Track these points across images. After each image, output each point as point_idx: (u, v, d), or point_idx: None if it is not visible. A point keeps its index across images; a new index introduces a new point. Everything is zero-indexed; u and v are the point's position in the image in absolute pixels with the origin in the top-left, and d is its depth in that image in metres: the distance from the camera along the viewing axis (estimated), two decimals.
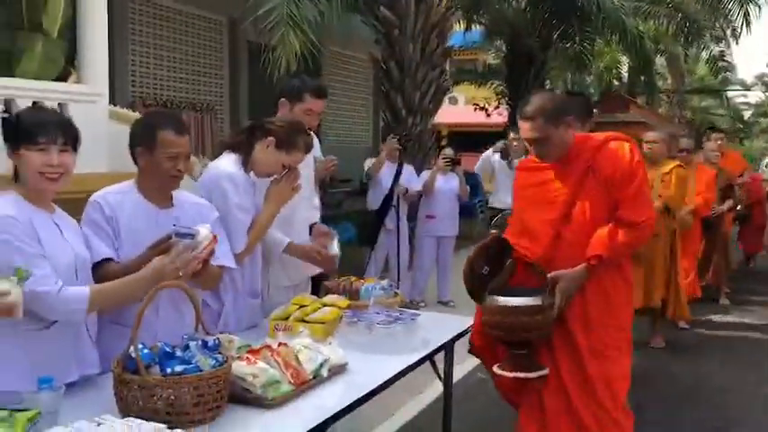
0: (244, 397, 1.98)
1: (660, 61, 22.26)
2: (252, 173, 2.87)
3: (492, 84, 14.83)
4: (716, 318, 6.65)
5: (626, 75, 20.27)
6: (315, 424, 1.92)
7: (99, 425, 1.62)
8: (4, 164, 2.19)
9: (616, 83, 19.96)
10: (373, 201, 6.34)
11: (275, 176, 2.87)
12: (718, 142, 7.22)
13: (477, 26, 13.24)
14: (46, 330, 2.00)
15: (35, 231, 2.00)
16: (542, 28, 12.12)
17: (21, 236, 1.95)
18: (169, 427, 1.63)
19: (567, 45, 12.69)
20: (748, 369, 5.18)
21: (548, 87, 13.66)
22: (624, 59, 17.87)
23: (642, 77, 17.04)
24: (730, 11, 12.09)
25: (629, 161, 2.69)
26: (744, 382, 4.84)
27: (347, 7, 8.14)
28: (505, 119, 12.99)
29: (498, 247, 2.83)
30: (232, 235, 2.67)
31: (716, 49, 15.53)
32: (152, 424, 1.63)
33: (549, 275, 2.69)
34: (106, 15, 5.39)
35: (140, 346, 1.81)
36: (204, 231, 2.25)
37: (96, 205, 2.36)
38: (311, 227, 3.33)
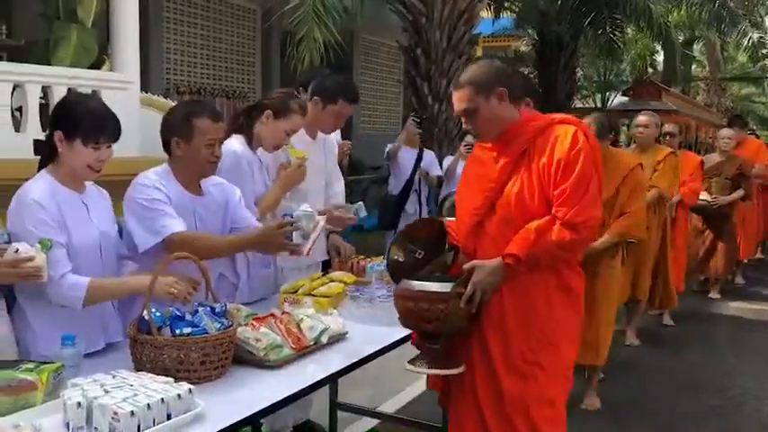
0: (247, 359, 2.17)
1: (699, 48, 21.89)
2: (259, 151, 3.05)
3: (522, 71, 14.81)
4: (702, 311, 6.60)
5: (661, 62, 20.00)
6: (311, 382, 2.11)
7: (114, 377, 1.82)
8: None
9: (651, 70, 19.69)
10: (394, 185, 6.49)
11: (284, 163, 3.04)
12: (723, 138, 6.91)
13: (508, 13, 13.24)
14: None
15: (62, 215, 2.16)
16: (572, 15, 12.07)
17: (45, 222, 2.11)
18: (176, 381, 1.83)
19: (599, 32, 12.61)
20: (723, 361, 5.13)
21: (578, 74, 13.61)
22: (658, 47, 17.64)
23: (678, 65, 16.82)
24: None
25: (568, 148, 2.28)
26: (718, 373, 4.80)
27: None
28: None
29: (439, 232, 2.54)
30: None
31: (755, 36, 15.24)
32: (160, 377, 1.83)
33: (464, 265, 2.36)
34: (137, 6, 5.63)
35: (153, 309, 2.01)
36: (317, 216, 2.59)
37: (153, 189, 2.46)
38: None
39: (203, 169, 2.59)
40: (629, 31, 13.60)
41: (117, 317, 2.40)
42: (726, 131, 7.00)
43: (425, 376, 2.87)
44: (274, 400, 1.96)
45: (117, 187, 2.58)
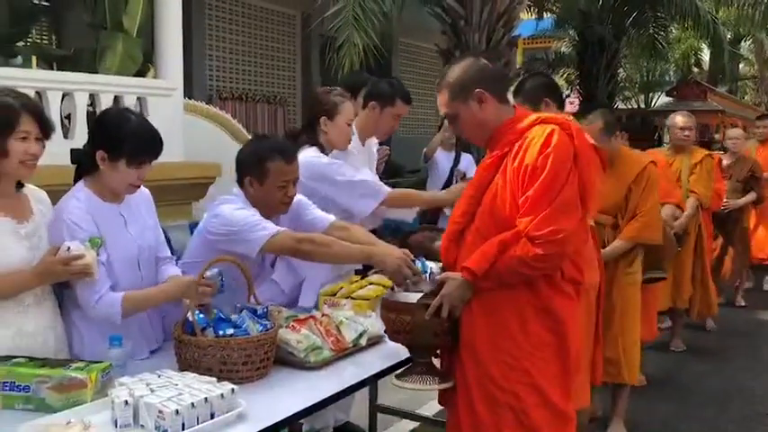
0: (288, 360, 2.21)
1: (747, 46, 21.35)
2: (333, 152, 3.18)
3: (564, 72, 14.66)
4: (737, 318, 6.38)
5: (707, 61, 19.58)
6: (351, 384, 2.15)
7: (159, 376, 1.88)
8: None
9: (696, 70, 19.29)
10: (432, 187, 6.49)
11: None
12: (759, 127, 6.56)
13: (548, 14, 13.13)
14: None
15: (99, 233, 2.14)
16: (614, 14, 11.91)
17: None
18: (219, 381, 1.87)
19: (641, 32, 12.41)
20: None
21: (620, 75, 13.40)
22: (704, 46, 17.27)
23: (725, 64, 16.45)
24: None
25: (537, 152, 2.05)
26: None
27: (412, 3, 8.30)
28: (576, 108, 12.84)
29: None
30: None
31: None
32: (204, 377, 1.88)
33: (437, 276, 2.25)
34: (181, 15, 5.76)
35: (196, 311, 2.06)
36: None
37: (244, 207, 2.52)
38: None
39: (276, 209, 2.61)
40: (672, 29, 13.32)
41: (160, 323, 2.45)
42: (734, 131, 6.59)
43: None
44: (315, 401, 2.00)
45: (161, 192, 2.62)
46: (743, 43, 21.05)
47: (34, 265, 2.02)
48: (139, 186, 2.28)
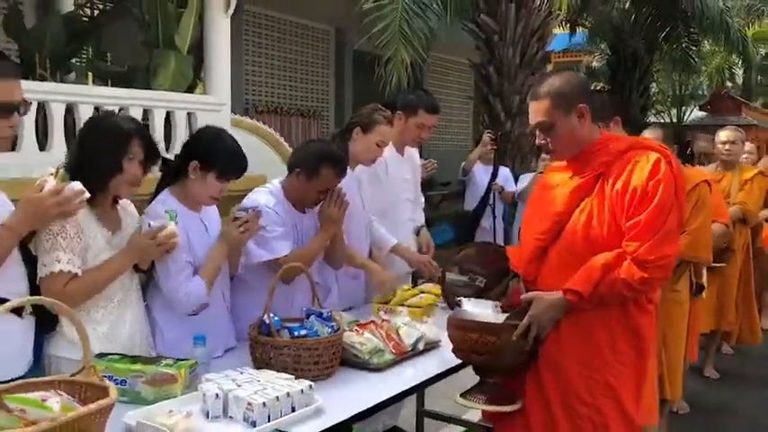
0: (352, 361, 2.36)
1: None
2: (356, 168, 3.28)
3: (596, 86, 14.72)
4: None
5: (741, 76, 19.43)
6: (412, 385, 2.28)
7: (241, 373, 2.04)
8: None
9: (729, 84, 19.16)
10: (470, 201, 6.62)
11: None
12: None
13: (580, 28, 13.22)
14: (194, 316, 2.41)
15: (188, 237, 2.38)
16: (647, 29, 11.97)
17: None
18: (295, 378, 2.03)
19: (674, 47, 12.46)
20: None
21: (653, 89, 13.44)
22: (738, 60, 17.20)
23: (757, 77, 16.35)
24: None
25: (647, 177, 2.10)
26: None
27: (455, 19, 8.46)
28: None
29: (505, 262, 2.43)
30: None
31: None
32: (281, 374, 2.04)
33: (522, 296, 2.24)
34: (229, 34, 5.99)
35: (272, 314, 2.22)
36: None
37: (274, 215, 2.72)
38: (418, 229, 3.74)
39: (308, 204, 2.86)
40: (705, 44, 13.34)
41: (232, 324, 2.63)
42: (747, 145, 6.05)
43: None
44: (380, 399, 2.14)
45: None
46: None
47: (123, 247, 2.19)
48: (218, 200, 2.47)
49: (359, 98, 11.33)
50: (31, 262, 2.05)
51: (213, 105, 5.82)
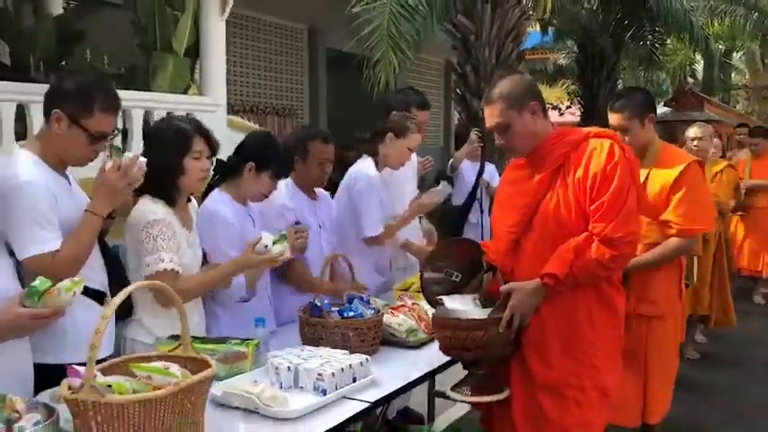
0: (391, 340, 2.61)
1: (738, 57, 21.98)
2: (384, 170, 3.48)
3: (563, 83, 15.15)
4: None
5: (701, 72, 20.14)
6: (445, 361, 2.51)
7: (302, 349, 2.26)
8: None
9: (690, 80, 19.84)
10: (458, 196, 6.87)
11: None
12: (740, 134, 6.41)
13: (550, 27, 13.61)
14: (245, 303, 2.66)
15: (242, 231, 2.61)
16: (615, 28, 12.41)
17: (235, 242, 2.55)
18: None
19: (640, 44, 12.93)
20: None
21: (620, 86, 13.89)
22: (698, 56, 17.83)
23: (718, 74, 16.98)
24: None
25: (604, 162, 2.24)
26: None
27: (438, 21, 8.69)
28: (578, 118, 13.32)
29: (475, 252, 2.50)
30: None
31: None
32: (337, 350, 2.27)
33: (501, 287, 2.32)
34: (225, 37, 6.16)
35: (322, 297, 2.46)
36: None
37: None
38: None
39: (316, 182, 3.12)
40: (668, 42, 13.85)
41: (271, 311, 2.85)
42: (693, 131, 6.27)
43: None
44: (423, 372, 2.39)
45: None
46: (735, 54, 21.67)
47: (235, 258, 2.43)
48: (268, 196, 2.69)
49: (332, 96, 11.49)
50: (107, 255, 2.24)
51: (209, 106, 5.99)
